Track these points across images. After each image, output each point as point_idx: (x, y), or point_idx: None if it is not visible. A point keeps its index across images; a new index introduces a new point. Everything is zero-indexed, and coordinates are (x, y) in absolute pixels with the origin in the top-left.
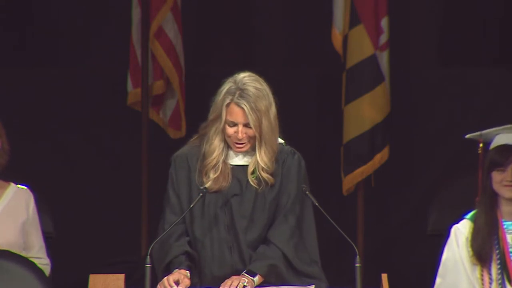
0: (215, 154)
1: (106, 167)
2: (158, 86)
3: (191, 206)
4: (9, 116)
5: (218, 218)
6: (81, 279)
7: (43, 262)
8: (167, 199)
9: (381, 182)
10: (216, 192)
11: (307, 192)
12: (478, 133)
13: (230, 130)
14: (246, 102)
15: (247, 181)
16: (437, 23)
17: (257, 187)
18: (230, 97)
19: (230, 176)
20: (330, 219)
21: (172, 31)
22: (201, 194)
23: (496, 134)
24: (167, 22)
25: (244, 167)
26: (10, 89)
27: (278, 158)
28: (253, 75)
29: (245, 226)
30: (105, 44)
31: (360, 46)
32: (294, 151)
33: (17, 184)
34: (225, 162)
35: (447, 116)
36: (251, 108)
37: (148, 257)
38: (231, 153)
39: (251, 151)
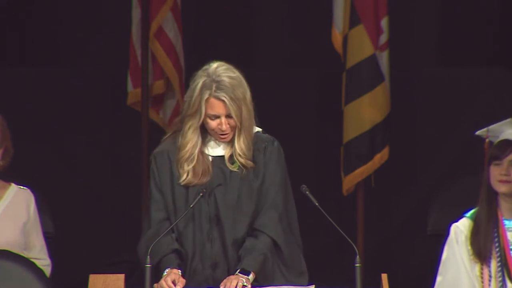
0: (188, 147)
1: (106, 167)
2: (158, 86)
3: (191, 206)
4: (9, 116)
5: (202, 210)
6: (81, 279)
7: (44, 262)
8: (150, 197)
9: (381, 182)
10: (198, 185)
11: (307, 192)
12: (485, 129)
13: (213, 123)
14: (225, 93)
15: (230, 170)
16: (437, 23)
17: (240, 172)
18: (208, 92)
19: (210, 169)
20: (330, 219)
21: (172, 31)
22: (201, 194)
23: (503, 130)
24: (167, 22)
25: (223, 157)
26: (10, 89)
27: (258, 146)
28: (224, 63)
29: (230, 217)
30: (105, 44)
31: (360, 46)
32: (273, 139)
33: (18, 184)
34: (203, 154)
35: (447, 116)
36: (231, 98)
37: (148, 257)
38: (211, 144)
39: (228, 141)
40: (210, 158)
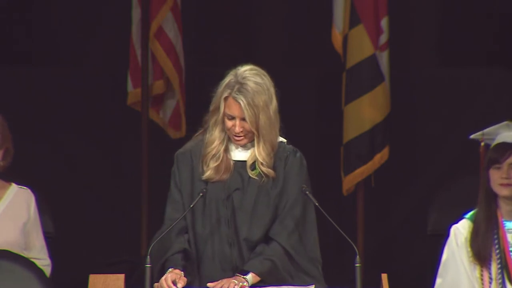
0: (215, 144)
1: (106, 167)
2: (158, 86)
3: (191, 206)
4: (9, 116)
5: (220, 213)
6: (81, 279)
7: (44, 262)
8: (169, 195)
9: (381, 182)
10: (217, 184)
11: (307, 193)
12: (480, 132)
13: (229, 123)
14: (243, 97)
15: (249, 176)
16: (437, 23)
17: (259, 180)
18: (229, 91)
19: (232, 169)
20: (330, 219)
21: (172, 31)
22: (201, 194)
23: (498, 133)
24: (167, 22)
25: (245, 162)
26: (10, 89)
27: (280, 155)
28: (256, 68)
29: (246, 221)
30: (105, 44)
31: (360, 46)
32: (296, 150)
33: (18, 184)
34: (226, 154)
35: (447, 116)
36: (248, 103)
37: (148, 257)
38: (232, 147)
39: (251, 146)
40: (232, 163)
